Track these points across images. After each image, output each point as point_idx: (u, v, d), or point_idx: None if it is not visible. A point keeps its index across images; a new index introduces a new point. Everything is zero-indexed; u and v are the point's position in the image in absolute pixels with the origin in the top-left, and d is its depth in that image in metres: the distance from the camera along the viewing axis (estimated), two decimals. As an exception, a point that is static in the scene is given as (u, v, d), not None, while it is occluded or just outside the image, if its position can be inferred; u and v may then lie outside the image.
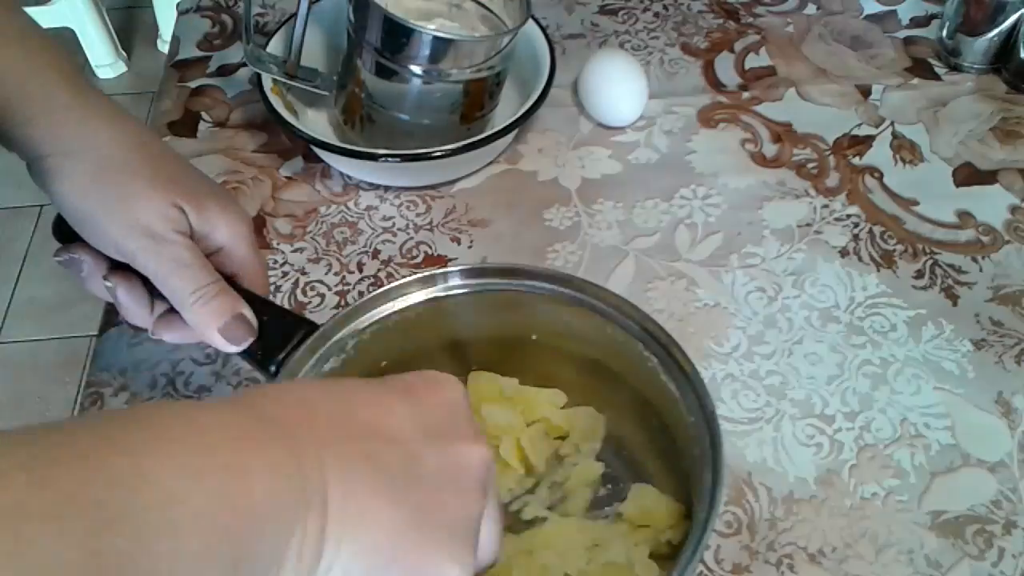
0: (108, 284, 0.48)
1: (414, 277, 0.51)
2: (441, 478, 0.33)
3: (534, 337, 0.54)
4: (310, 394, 0.33)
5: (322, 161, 0.74)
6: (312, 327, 0.49)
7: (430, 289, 0.51)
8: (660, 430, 0.50)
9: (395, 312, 0.51)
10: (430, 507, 0.32)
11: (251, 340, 0.48)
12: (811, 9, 0.88)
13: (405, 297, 0.51)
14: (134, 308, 0.49)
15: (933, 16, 0.86)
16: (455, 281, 0.51)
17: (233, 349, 0.48)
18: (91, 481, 0.22)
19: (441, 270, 0.51)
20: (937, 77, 0.81)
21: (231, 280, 0.49)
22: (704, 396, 0.46)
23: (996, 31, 0.78)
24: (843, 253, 0.67)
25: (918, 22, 0.86)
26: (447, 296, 0.51)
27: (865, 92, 0.80)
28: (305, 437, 0.29)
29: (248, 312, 0.48)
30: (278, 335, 0.48)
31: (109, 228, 0.46)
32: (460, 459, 0.34)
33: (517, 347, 0.54)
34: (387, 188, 0.73)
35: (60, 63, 0.47)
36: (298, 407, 0.31)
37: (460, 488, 0.33)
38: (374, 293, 0.50)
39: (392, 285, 0.51)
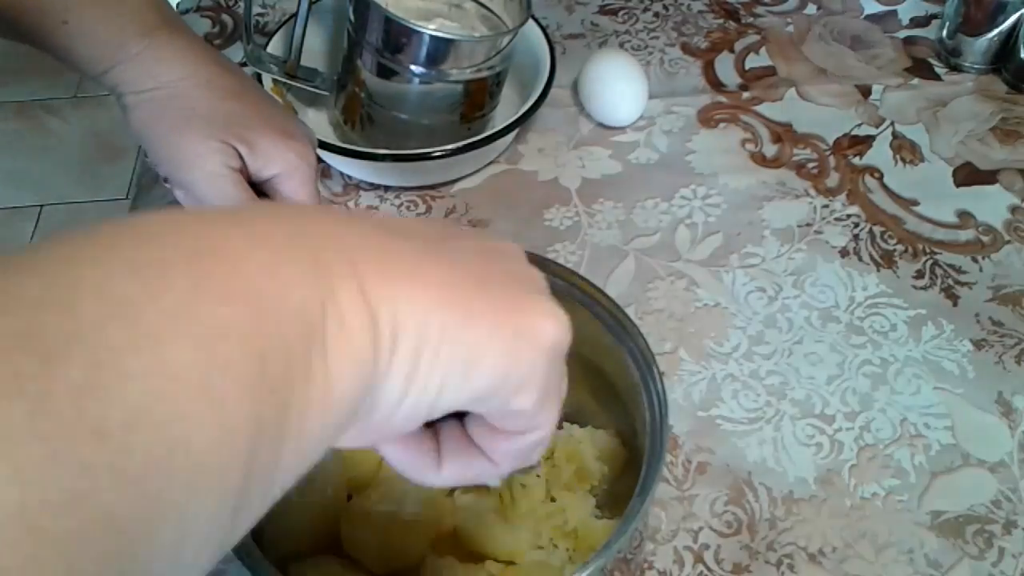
0: (168, 185, 0.56)
1: None
2: (480, 249, 0.29)
3: None
4: (332, 209, 0.33)
5: (322, 161, 0.74)
6: None
7: None
8: (604, 386, 0.52)
9: None
10: (480, 265, 0.27)
11: None
12: (811, 9, 0.88)
13: None
14: None
15: (933, 16, 0.86)
16: None
17: None
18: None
19: None
20: (937, 77, 0.81)
21: None
22: (637, 336, 0.48)
23: (996, 31, 0.78)
24: (843, 253, 0.67)
25: (918, 22, 0.86)
26: None
27: (865, 92, 0.80)
28: (329, 240, 0.24)
29: None
30: None
31: (164, 157, 0.53)
32: (500, 246, 0.30)
33: None
34: (387, 188, 0.73)
35: (138, 15, 0.53)
36: (315, 215, 0.27)
37: (513, 260, 0.29)
38: None
39: None
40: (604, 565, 0.41)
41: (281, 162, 0.54)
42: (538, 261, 0.52)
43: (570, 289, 0.52)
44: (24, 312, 0.18)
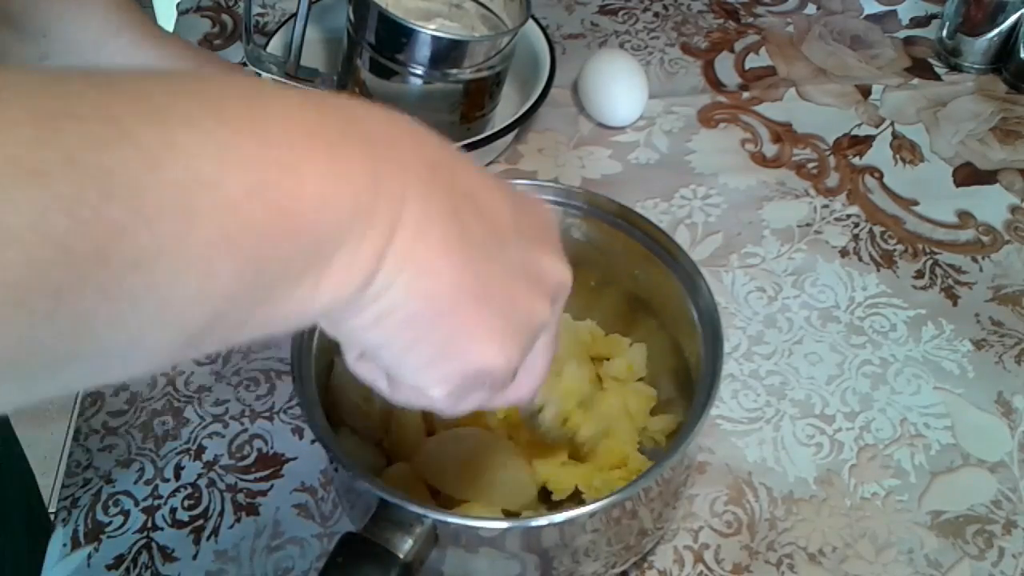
0: None
1: None
2: (518, 270, 0.31)
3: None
4: (422, 130, 0.30)
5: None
6: None
7: None
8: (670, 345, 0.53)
9: None
10: (499, 288, 0.29)
11: None
12: (811, 9, 0.88)
13: None
14: None
15: (933, 16, 0.86)
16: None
17: None
18: (106, 146, 0.20)
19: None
20: (937, 77, 0.81)
21: None
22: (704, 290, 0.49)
23: (996, 31, 0.78)
24: (843, 253, 0.67)
25: (918, 22, 0.86)
26: None
27: (865, 92, 0.80)
28: (396, 158, 0.26)
29: None
30: None
31: None
32: (542, 264, 0.32)
33: None
34: (387, 188, 0.73)
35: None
36: (401, 131, 0.28)
37: (533, 288, 0.31)
38: None
39: None
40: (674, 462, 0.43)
41: None
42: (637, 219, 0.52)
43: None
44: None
